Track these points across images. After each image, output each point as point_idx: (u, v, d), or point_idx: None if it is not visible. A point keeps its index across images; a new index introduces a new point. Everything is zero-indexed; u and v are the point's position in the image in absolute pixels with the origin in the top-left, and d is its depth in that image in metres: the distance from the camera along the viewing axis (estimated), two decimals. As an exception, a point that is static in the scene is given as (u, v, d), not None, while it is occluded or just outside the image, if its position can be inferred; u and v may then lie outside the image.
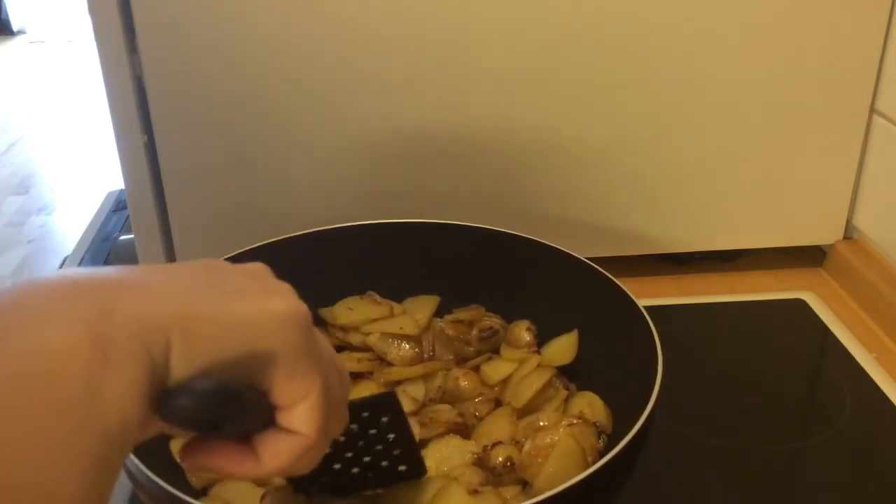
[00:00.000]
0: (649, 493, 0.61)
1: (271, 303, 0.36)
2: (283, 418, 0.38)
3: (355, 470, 0.51)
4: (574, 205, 0.83)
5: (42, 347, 0.31)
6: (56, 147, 3.55)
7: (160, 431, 0.36)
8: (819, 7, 0.77)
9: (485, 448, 0.58)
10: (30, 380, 0.30)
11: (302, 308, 0.37)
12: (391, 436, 0.52)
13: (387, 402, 0.53)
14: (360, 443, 0.51)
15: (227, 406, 0.35)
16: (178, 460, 0.56)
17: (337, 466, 0.51)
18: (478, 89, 0.77)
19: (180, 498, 0.47)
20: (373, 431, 0.52)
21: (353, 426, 0.50)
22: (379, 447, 0.52)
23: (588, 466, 0.51)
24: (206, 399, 0.34)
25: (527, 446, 0.57)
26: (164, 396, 0.33)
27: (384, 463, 0.52)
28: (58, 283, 0.34)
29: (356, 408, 0.49)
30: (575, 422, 0.58)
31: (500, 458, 0.57)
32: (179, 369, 0.34)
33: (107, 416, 0.31)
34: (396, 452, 0.53)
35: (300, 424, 0.37)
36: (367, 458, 0.52)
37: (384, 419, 0.52)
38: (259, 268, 0.40)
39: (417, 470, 0.54)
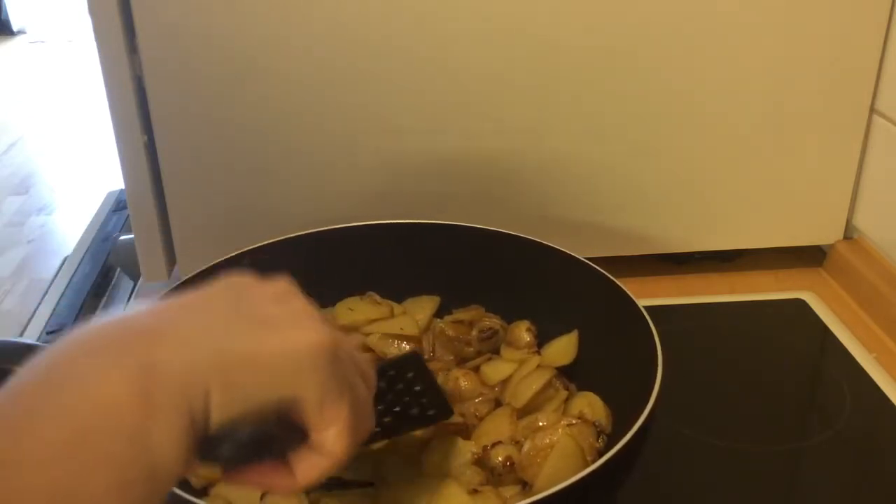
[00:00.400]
0: (649, 493, 0.61)
1: (299, 338, 0.38)
2: (315, 438, 0.40)
3: (387, 419, 0.53)
4: (574, 205, 0.83)
5: (92, 404, 0.33)
6: (56, 147, 3.55)
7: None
8: (819, 7, 0.77)
9: (485, 448, 0.58)
10: (82, 434, 0.32)
11: (327, 338, 0.39)
12: (417, 387, 0.55)
13: (411, 361, 0.56)
14: (389, 396, 0.54)
15: (264, 447, 0.39)
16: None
17: None
18: (479, 91, 0.77)
19: (181, 497, 0.47)
20: (399, 386, 0.55)
21: (381, 384, 0.52)
22: (407, 398, 0.55)
23: (587, 466, 0.51)
24: (245, 446, 0.37)
25: (526, 447, 0.57)
26: (204, 445, 0.36)
27: (414, 410, 0.55)
28: (99, 337, 0.36)
29: (382, 369, 0.53)
30: (574, 422, 0.58)
31: (500, 458, 0.57)
32: (218, 417, 0.36)
33: (153, 467, 0.34)
34: (424, 400, 0.55)
35: (330, 446, 0.40)
36: (396, 409, 0.54)
37: (409, 374, 0.55)
38: (285, 289, 0.42)
39: (446, 412, 0.56)
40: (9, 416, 0.33)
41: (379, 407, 0.53)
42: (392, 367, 0.55)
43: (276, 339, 0.38)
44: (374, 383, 0.45)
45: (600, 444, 0.58)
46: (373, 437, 0.52)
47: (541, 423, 0.59)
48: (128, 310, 0.39)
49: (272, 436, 0.39)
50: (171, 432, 0.34)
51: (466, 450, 0.58)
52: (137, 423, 0.33)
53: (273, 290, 0.41)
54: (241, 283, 0.41)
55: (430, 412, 0.55)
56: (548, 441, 0.57)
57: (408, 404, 0.55)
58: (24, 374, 0.35)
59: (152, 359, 0.35)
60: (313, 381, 0.38)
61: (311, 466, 0.41)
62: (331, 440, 0.40)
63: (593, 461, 0.55)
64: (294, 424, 0.39)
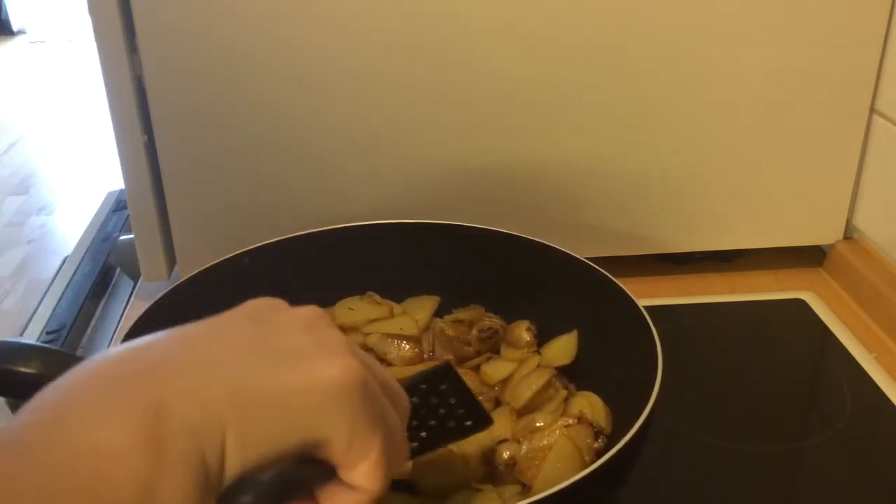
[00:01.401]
0: (649, 494, 0.61)
1: (325, 372, 0.35)
2: (345, 475, 0.37)
3: (423, 434, 0.51)
4: (574, 205, 0.83)
5: (94, 450, 0.30)
6: (56, 147, 3.55)
7: None
8: (819, 7, 0.77)
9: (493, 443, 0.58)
10: (82, 486, 0.30)
11: (356, 370, 0.36)
12: (452, 399, 0.53)
13: (443, 373, 0.54)
14: (423, 411, 0.52)
15: (288, 491, 0.35)
16: None
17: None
18: (479, 91, 0.77)
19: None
20: (433, 400, 0.52)
21: (414, 399, 0.50)
22: (442, 411, 0.52)
23: (586, 467, 0.51)
24: (267, 493, 0.34)
25: (524, 448, 0.57)
26: (223, 496, 0.33)
27: (451, 423, 0.52)
28: (104, 372, 0.33)
29: (414, 384, 0.51)
30: (571, 422, 0.58)
31: (506, 455, 0.57)
32: (234, 465, 0.33)
33: None
34: (461, 412, 0.53)
35: (362, 481, 0.37)
36: (432, 422, 0.52)
37: (442, 387, 0.53)
38: (313, 315, 0.39)
39: (484, 422, 0.54)
40: (6, 458, 0.30)
41: (414, 423, 0.50)
42: (423, 381, 0.53)
43: (299, 373, 0.35)
44: (407, 407, 0.42)
45: (599, 444, 0.58)
46: (412, 454, 0.50)
47: (538, 424, 0.59)
48: (143, 338, 0.35)
49: (298, 478, 0.36)
50: (181, 486, 0.31)
51: (478, 441, 0.58)
52: (144, 474, 0.30)
53: (301, 317, 0.38)
54: (267, 308, 0.38)
55: (468, 423, 0.53)
56: (545, 443, 0.57)
57: (444, 417, 0.52)
58: (29, 409, 0.32)
59: (162, 399, 0.32)
60: (341, 420, 0.35)
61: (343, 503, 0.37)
62: (362, 475, 0.37)
63: (591, 462, 0.55)
64: (321, 461, 0.37)
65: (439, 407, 0.52)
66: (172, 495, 0.31)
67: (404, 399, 0.42)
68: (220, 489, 0.33)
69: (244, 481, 0.34)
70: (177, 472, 0.31)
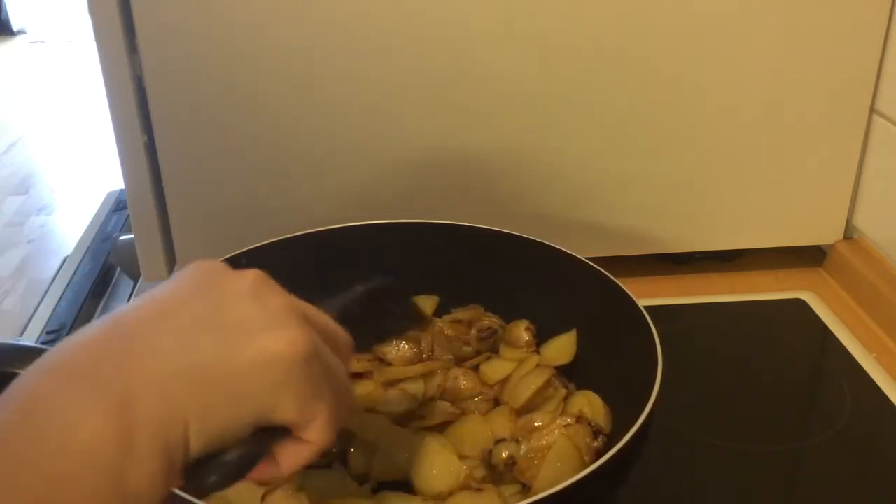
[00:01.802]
0: (649, 494, 0.61)
1: (273, 344, 0.37)
2: (298, 432, 0.39)
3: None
4: (574, 205, 0.83)
5: (71, 445, 0.33)
6: (56, 147, 3.55)
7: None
8: (819, 7, 0.77)
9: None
10: (62, 479, 0.32)
11: (301, 341, 0.38)
12: (406, 321, 0.56)
13: (390, 289, 0.55)
14: (374, 326, 0.54)
15: (251, 465, 0.38)
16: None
17: None
18: (479, 91, 0.77)
19: (181, 497, 0.47)
20: (387, 323, 0.55)
21: (356, 309, 0.51)
22: (375, 308, 0.54)
23: (585, 467, 0.51)
24: (231, 471, 0.37)
25: (523, 449, 0.57)
26: (190, 477, 0.36)
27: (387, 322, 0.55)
28: (73, 364, 0.35)
29: (360, 299, 0.52)
30: (570, 422, 0.58)
31: (504, 455, 0.57)
32: (197, 445, 0.36)
33: None
34: (395, 311, 0.55)
35: (314, 437, 0.40)
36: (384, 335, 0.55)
37: (392, 308, 0.55)
38: (256, 280, 0.40)
39: (421, 319, 0.57)
40: None
41: (371, 338, 0.53)
42: (370, 295, 0.54)
43: (249, 348, 0.37)
44: (350, 349, 0.44)
45: (598, 444, 0.58)
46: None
47: (537, 423, 0.59)
48: (102, 319, 0.37)
49: (258, 452, 0.39)
50: (150, 471, 0.34)
51: (487, 437, 0.59)
52: (118, 464, 0.33)
53: (246, 284, 0.39)
54: (210, 275, 0.40)
55: (400, 318, 0.55)
56: (544, 443, 0.57)
57: (378, 317, 0.54)
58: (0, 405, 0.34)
59: (129, 391, 0.34)
60: (290, 390, 0.38)
61: (297, 457, 0.40)
62: (314, 432, 0.39)
63: (591, 462, 0.55)
64: (274, 432, 0.39)
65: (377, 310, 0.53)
66: (142, 479, 0.34)
67: (347, 341, 0.44)
68: (186, 464, 0.36)
69: (210, 461, 0.36)
70: (145, 458, 0.34)
